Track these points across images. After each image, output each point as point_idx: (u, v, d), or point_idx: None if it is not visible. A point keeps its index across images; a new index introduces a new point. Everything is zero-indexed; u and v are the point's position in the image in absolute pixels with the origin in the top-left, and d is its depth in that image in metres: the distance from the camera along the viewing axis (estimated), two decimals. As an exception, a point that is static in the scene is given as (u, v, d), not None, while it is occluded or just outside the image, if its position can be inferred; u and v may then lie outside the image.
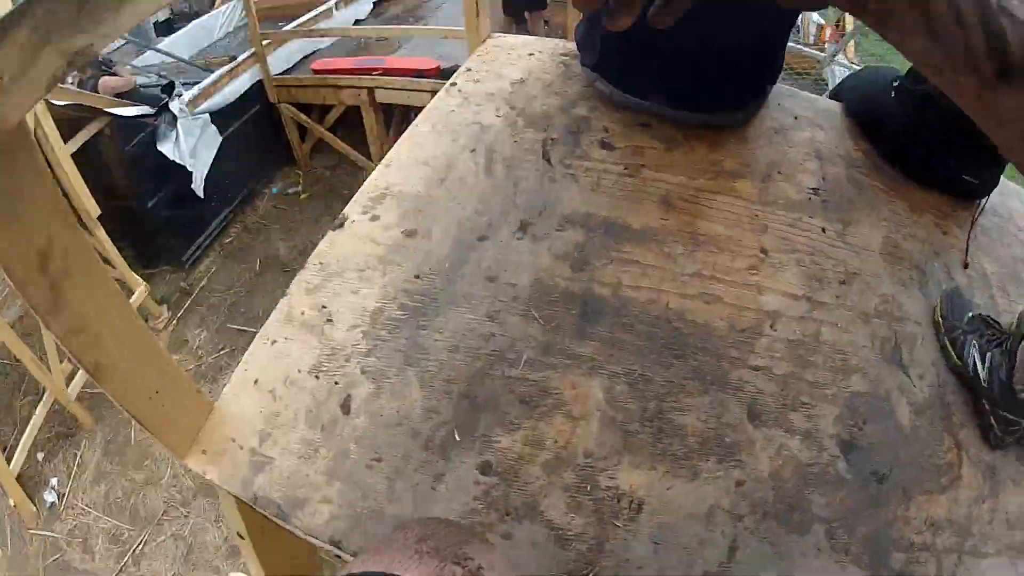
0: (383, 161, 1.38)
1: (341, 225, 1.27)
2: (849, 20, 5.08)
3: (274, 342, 1.10)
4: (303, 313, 1.12)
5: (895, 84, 1.58)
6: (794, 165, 1.41)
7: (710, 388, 1.07)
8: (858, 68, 4.57)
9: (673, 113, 1.43)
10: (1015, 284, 1.48)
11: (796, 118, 1.54)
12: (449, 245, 1.21)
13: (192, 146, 4.36)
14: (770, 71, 1.44)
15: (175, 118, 4.28)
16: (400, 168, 1.37)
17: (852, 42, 5.15)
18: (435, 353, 1.07)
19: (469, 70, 1.64)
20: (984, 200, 1.50)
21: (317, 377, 1.05)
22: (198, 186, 4.46)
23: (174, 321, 4.33)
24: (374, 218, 1.28)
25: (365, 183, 1.35)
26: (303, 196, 5.37)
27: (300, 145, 5.50)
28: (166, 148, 4.24)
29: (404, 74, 4.73)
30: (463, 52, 1.72)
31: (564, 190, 1.29)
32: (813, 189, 1.37)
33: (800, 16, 6.69)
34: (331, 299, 1.14)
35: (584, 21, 1.53)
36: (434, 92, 5.26)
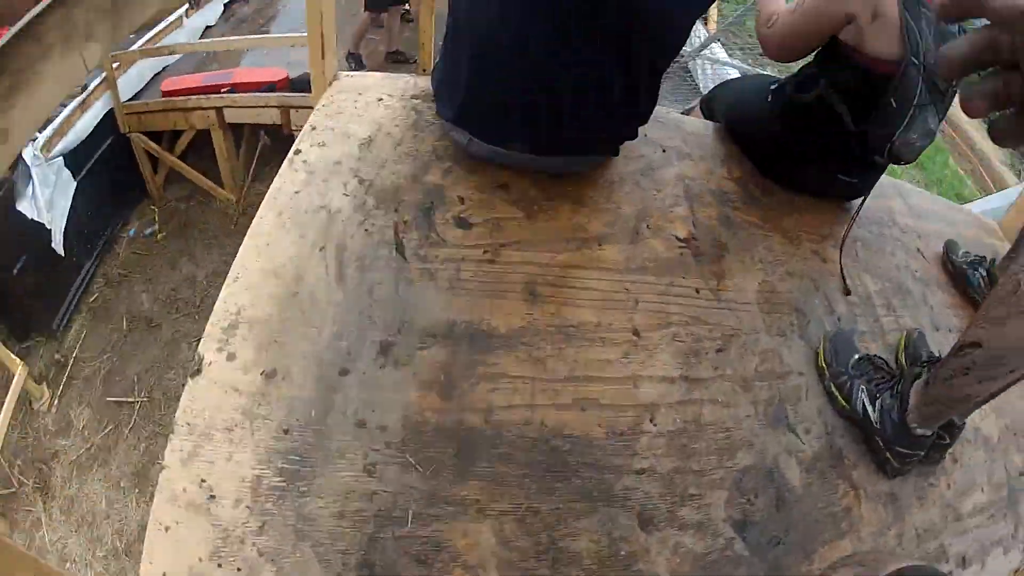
0: (231, 273, 1.23)
1: (199, 370, 1.13)
2: (714, 16, 4.92)
3: (167, 528, 0.98)
4: (185, 490, 1.01)
5: (772, 88, 1.56)
6: (663, 213, 1.33)
7: (598, 505, 1.03)
8: (725, 62, 4.48)
9: (535, 161, 1.32)
10: (899, 296, 1.49)
11: (664, 150, 1.45)
12: (311, 387, 1.09)
13: (48, 197, 4.02)
14: (637, 117, 1.33)
15: (29, 167, 3.92)
16: (248, 284, 1.21)
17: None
18: (323, 522, 0.99)
19: (314, 129, 1.45)
20: (856, 212, 1.47)
21: (220, 565, 0.96)
22: (58, 243, 4.16)
23: (55, 401, 4.17)
24: (231, 356, 1.14)
25: (216, 307, 1.19)
26: (160, 236, 5.16)
27: (153, 177, 5.23)
28: (23, 206, 3.90)
29: (254, 88, 4.59)
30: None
31: (422, 294, 1.18)
32: (684, 241, 1.30)
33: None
34: (207, 470, 1.03)
35: (441, 61, 1.37)
36: (282, 107, 4.92)
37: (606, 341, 1.15)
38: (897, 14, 1.24)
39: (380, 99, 1.50)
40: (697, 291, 1.24)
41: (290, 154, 1.40)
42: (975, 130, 6.22)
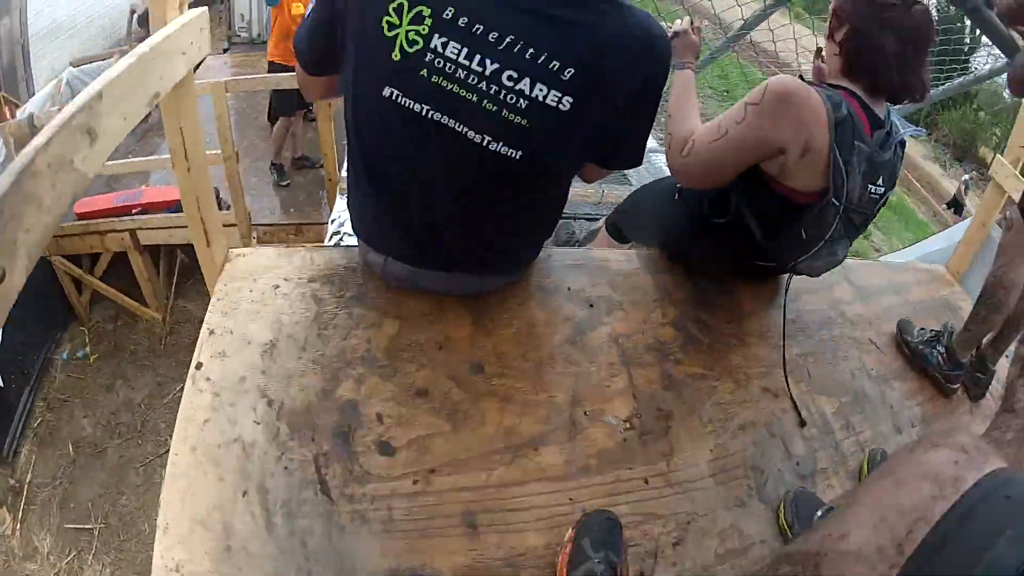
0: (160, 521, 1.08)
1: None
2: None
3: None
4: None
5: (678, 187, 1.53)
6: (600, 392, 1.24)
7: None
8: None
9: (450, 279, 1.26)
10: (858, 408, 1.44)
11: (591, 305, 1.36)
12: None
13: None
14: (526, 235, 1.26)
15: None
16: (180, 537, 1.07)
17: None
18: None
19: (212, 333, 1.31)
20: (782, 341, 1.42)
21: None
22: None
23: (18, 525, 4.14)
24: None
25: (154, 562, 1.05)
26: (92, 359, 5.12)
27: (78, 298, 5.15)
28: None
29: (165, 207, 4.56)
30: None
31: (356, 541, 1.05)
32: (626, 421, 1.21)
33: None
34: None
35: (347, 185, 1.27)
36: None
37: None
38: (827, 151, 1.17)
39: (276, 286, 1.37)
40: (646, 480, 1.15)
41: (192, 369, 1.26)
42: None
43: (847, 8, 1.25)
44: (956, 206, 11.05)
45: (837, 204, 1.20)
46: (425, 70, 0.92)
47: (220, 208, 4.49)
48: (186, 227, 4.45)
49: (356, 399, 1.20)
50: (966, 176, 11.48)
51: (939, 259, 2.20)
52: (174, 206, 4.54)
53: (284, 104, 4.70)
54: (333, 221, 3.37)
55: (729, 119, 1.22)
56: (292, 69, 4.50)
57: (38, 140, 0.66)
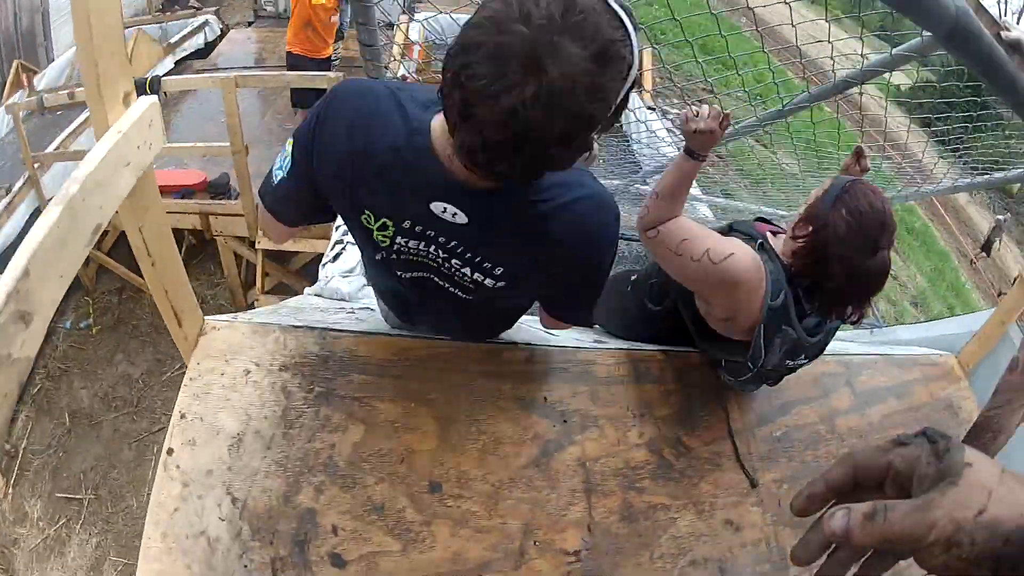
0: None
1: None
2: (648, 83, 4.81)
3: None
4: None
5: (632, 279, 1.72)
6: (555, 521, 1.23)
7: None
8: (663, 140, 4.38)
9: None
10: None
11: (566, 420, 1.34)
12: None
13: None
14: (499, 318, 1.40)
15: None
16: None
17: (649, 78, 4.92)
18: None
19: (183, 417, 1.32)
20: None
21: None
22: None
23: (9, 489, 4.30)
24: None
25: None
26: (95, 330, 5.23)
27: (84, 269, 5.19)
28: None
29: (173, 190, 4.56)
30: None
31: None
32: (574, 555, 1.20)
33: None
34: None
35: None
36: (202, 213, 4.90)
37: None
38: (750, 329, 1.26)
39: (248, 371, 1.36)
40: (593, 625, 1.14)
41: (164, 454, 1.27)
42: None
43: (817, 225, 1.24)
44: (987, 247, 10.69)
45: (751, 367, 1.27)
46: (399, 256, 1.06)
47: (230, 197, 4.50)
48: (195, 214, 4.53)
49: (315, 507, 1.20)
50: (1000, 216, 10.94)
51: (950, 344, 2.16)
52: (181, 191, 4.57)
53: (303, 97, 4.63)
54: (337, 228, 3.35)
55: (693, 244, 1.24)
56: (311, 60, 4.45)
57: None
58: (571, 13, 0.65)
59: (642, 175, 2.93)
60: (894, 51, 1.30)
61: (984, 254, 10.73)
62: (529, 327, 1.60)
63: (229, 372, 1.36)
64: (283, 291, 5.01)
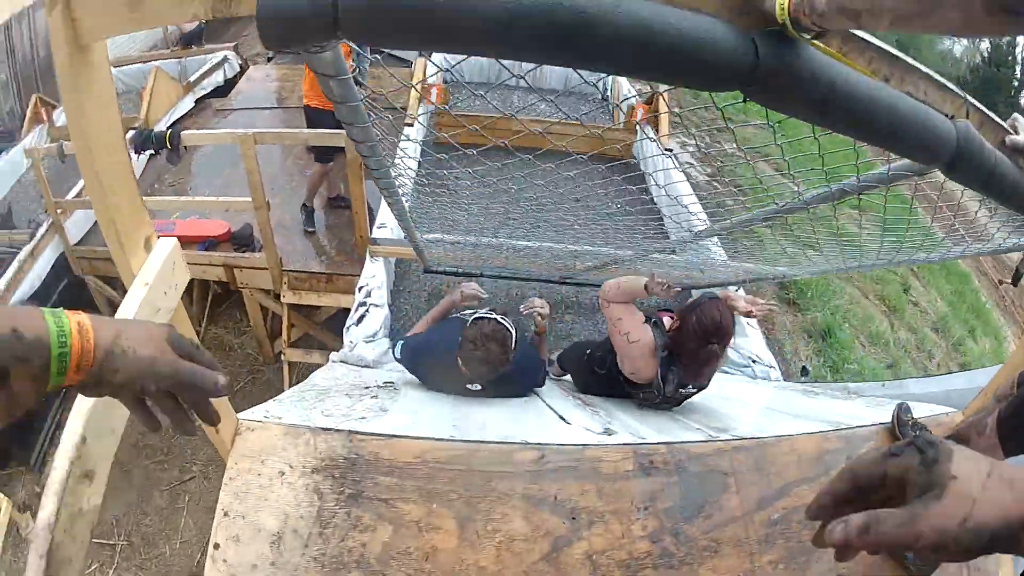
0: None
1: None
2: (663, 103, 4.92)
3: None
4: None
5: (587, 353, 2.70)
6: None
7: None
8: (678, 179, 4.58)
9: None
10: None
11: (574, 517, 1.45)
12: None
13: None
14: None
15: None
16: None
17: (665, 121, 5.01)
18: None
19: (226, 515, 1.45)
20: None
21: None
22: None
23: None
24: None
25: None
26: None
27: (111, 316, 5.25)
28: None
29: (199, 242, 4.71)
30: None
31: None
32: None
33: (610, 99, 6.55)
34: None
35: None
36: (226, 266, 5.04)
37: None
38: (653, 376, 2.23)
39: (282, 472, 1.49)
40: None
41: (210, 548, 1.40)
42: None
43: (682, 318, 2.19)
44: (1016, 279, 10.52)
45: (656, 394, 2.23)
46: None
47: (254, 249, 4.67)
48: (219, 266, 4.66)
49: (346, 607, 1.32)
50: (1035, 246, 10.76)
51: (961, 399, 2.18)
52: (206, 242, 4.71)
53: (320, 152, 4.75)
54: (360, 289, 3.49)
55: (623, 324, 2.23)
56: (328, 113, 4.55)
57: (46, 517, 0.78)
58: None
59: (663, 247, 3.04)
60: (891, 170, 1.35)
61: (1012, 284, 10.61)
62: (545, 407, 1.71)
63: (265, 473, 1.49)
64: (309, 343, 5.15)
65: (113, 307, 5.27)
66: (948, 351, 8.35)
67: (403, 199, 2.23)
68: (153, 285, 0.99)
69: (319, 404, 1.84)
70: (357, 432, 1.52)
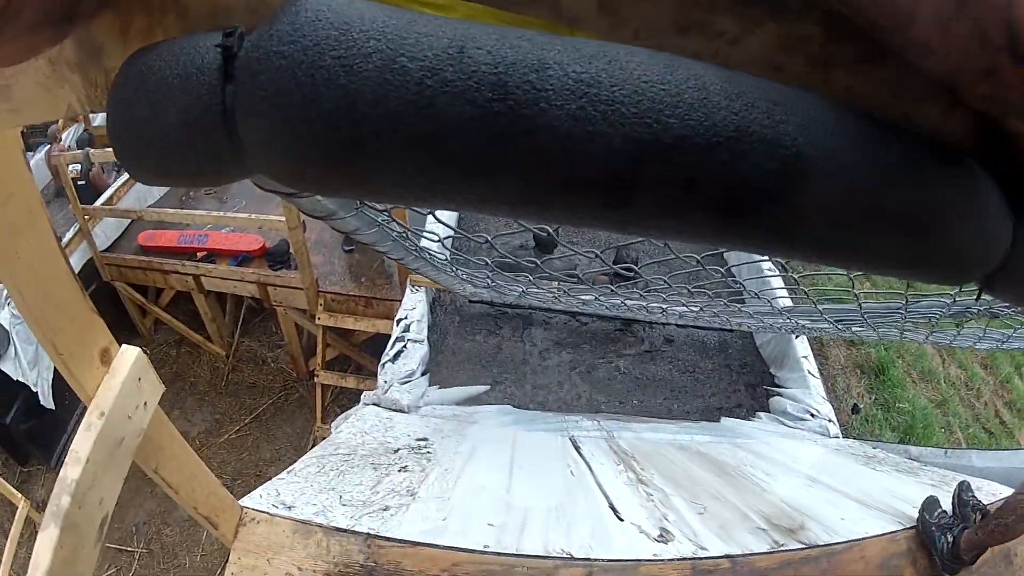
0: None
1: None
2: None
3: None
4: None
5: None
6: None
7: None
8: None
9: None
10: None
11: None
12: None
13: (32, 355, 4.07)
14: None
15: (8, 330, 4.01)
16: None
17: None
18: None
19: None
20: None
21: None
22: (47, 399, 4.29)
23: None
24: None
25: None
26: None
27: (141, 320, 5.32)
28: (7, 367, 4.06)
29: (231, 256, 4.62)
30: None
31: None
32: None
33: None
34: None
35: None
36: (260, 283, 4.96)
37: None
38: None
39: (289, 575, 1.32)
40: None
41: None
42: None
43: None
44: None
45: None
46: None
47: (289, 266, 4.55)
48: (252, 282, 4.59)
49: None
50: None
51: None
52: (240, 257, 4.62)
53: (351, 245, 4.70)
54: (399, 322, 3.26)
55: None
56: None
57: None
58: None
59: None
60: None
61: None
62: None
63: (271, 573, 1.32)
64: (344, 365, 5.01)
65: (144, 314, 5.26)
66: (996, 388, 7.94)
67: (436, 269, 2.03)
68: (111, 414, 0.80)
69: (339, 480, 1.66)
70: (376, 537, 1.34)
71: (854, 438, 3.80)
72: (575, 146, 0.26)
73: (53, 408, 4.37)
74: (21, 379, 4.09)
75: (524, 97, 0.26)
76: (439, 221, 1.23)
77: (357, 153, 0.27)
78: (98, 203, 4.85)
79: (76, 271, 3.28)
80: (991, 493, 1.92)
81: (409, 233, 1.37)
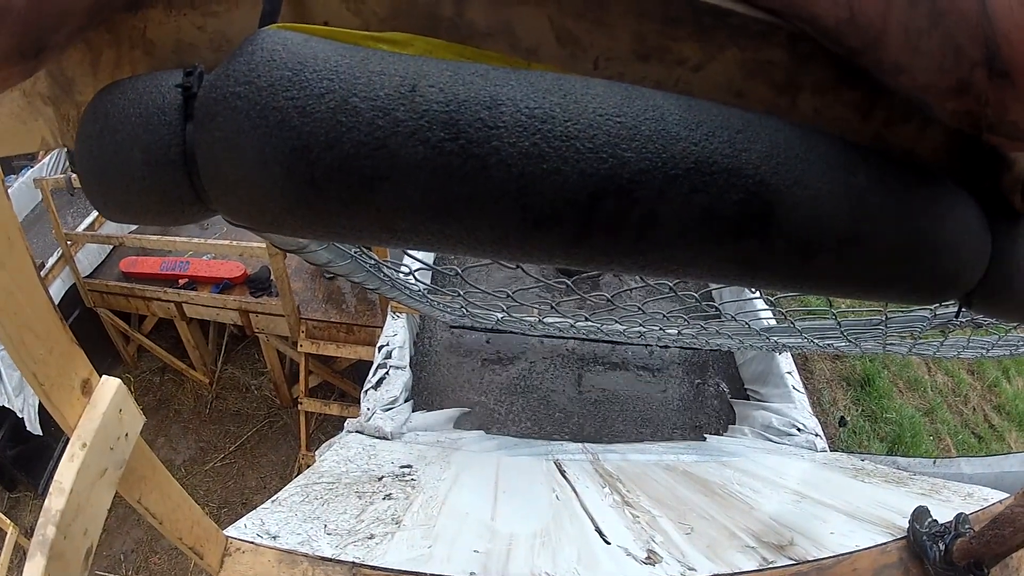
0: None
1: None
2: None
3: None
4: None
5: None
6: None
7: None
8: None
9: None
10: None
11: None
12: None
13: (17, 381, 4.02)
14: None
15: None
16: None
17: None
18: None
19: None
20: None
21: None
22: (33, 424, 4.28)
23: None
24: None
25: None
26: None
27: (125, 347, 5.28)
28: None
29: (213, 283, 4.61)
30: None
31: None
32: None
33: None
34: None
35: None
36: (241, 310, 4.94)
37: None
38: None
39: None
40: None
41: None
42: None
43: None
44: None
45: None
46: None
47: (271, 293, 4.53)
48: (234, 309, 4.55)
49: None
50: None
51: (1014, 483, 2.06)
52: (221, 284, 4.60)
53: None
54: (380, 348, 3.24)
55: None
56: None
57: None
58: None
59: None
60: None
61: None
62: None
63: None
64: (327, 392, 4.98)
65: (127, 341, 5.20)
66: (983, 392, 8.01)
67: (412, 299, 2.02)
68: (93, 445, 0.81)
69: (324, 509, 1.64)
70: (362, 566, 1.31)
71: (842, 451, 3.81)
72: (529, 185, 0.26)
73: (40, 434, 4.37)
74: (7, 405, 4.08)
75: (476, 135, 0.25)
76: (407, 254, 1.22)
77: (312, 195, 0.27)
78: (80, 228, 4.83)
79: (60, 297, 3.23)
80: (983, 498, 1.94)
81: (382, 265, 1.36)
